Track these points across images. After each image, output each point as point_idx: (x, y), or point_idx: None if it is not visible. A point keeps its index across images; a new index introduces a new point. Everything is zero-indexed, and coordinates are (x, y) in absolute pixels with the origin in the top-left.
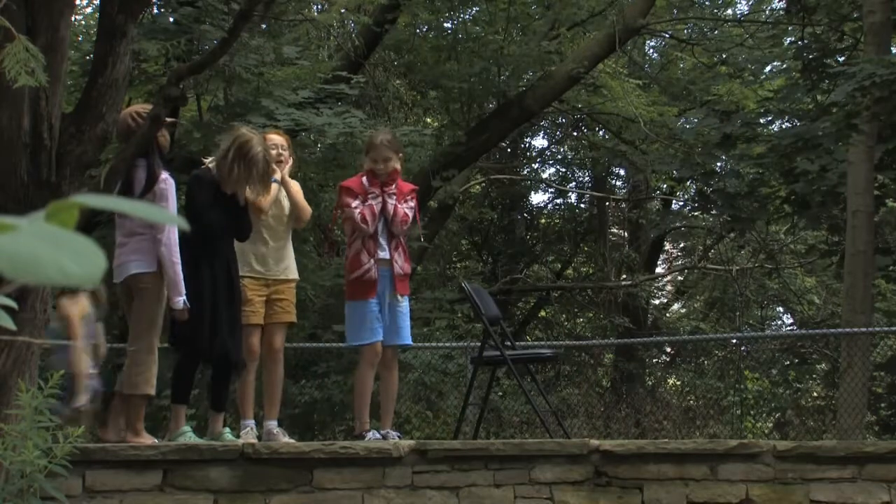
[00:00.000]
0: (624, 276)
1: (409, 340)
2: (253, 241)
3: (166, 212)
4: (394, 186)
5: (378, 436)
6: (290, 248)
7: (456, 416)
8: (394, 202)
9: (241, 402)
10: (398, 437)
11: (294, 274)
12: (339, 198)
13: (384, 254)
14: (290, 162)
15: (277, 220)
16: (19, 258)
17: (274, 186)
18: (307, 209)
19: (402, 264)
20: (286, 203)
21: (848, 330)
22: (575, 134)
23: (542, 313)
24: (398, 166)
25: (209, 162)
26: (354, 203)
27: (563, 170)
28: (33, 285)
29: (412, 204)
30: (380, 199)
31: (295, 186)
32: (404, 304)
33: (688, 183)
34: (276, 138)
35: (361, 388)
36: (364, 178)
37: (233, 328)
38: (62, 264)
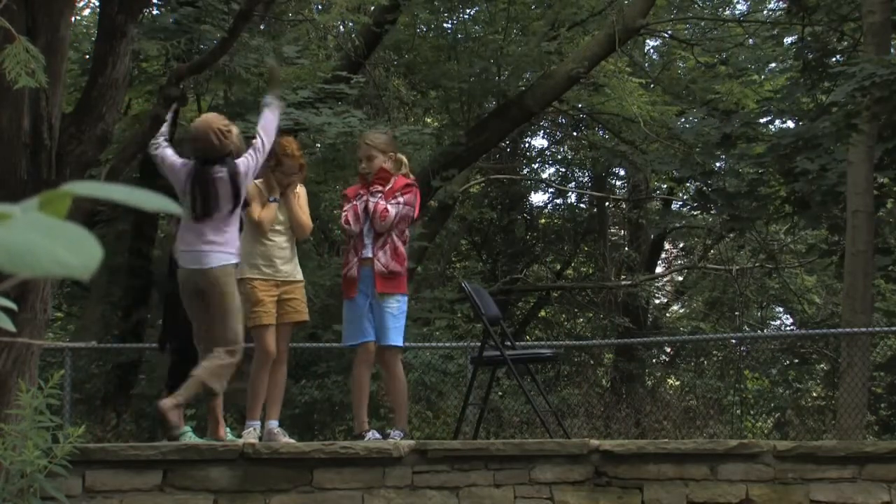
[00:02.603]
0: (624, 276)
1: (393, 341)
2: (260, 243)
3: (160, 198)
4: (383, 185)
5: (378, 436)
6: (295, 249)
7: (456, 416)
8: (375, 199)
9: (251, 402)
10: (400, 436)
11: (301, 275)
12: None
13: (366, 252)
14: (299, 187)
15: (284, 222)
16: (14, 249)
17: (273, 206)
18: (308, 226)
19: (385, 262)
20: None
21: (848, 330)
22: (575, 134)
23: (542, 313)
24: (386, 165)
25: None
26: (346, 207)
27: (563, 170)
28: (33, 285)
29: (402, 199)
30: (364, 199)
31: (304, 209)
32: (392, 304)
33: (687, 183)
34: (297, 155)
35: (357, 387)
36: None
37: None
38: (57, 255)
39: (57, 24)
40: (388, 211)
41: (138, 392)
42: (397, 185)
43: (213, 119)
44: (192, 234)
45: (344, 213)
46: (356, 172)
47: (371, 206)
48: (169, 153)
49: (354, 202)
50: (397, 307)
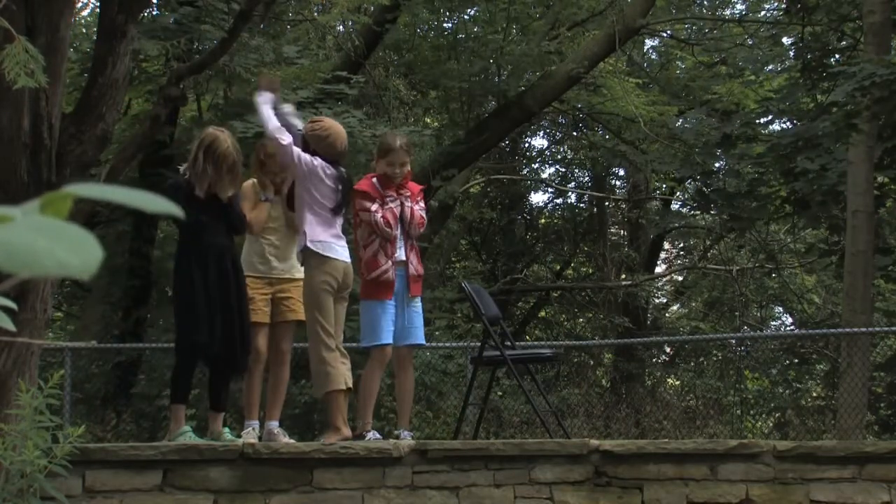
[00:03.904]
0: (624, 276)
1: (422, 340)
2: (254, 240)
3: (158, 199)
4: (407, 189)
5: (378, 436)
6: (294, 247)
7: (456, 416)
8: (410, 205)
9: (247, 402)
10: (411, 436)
11: (300, 273)
12: (354, 201)
13: (400, 255)
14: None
15: (278, 219)
16: (15, 250)
17: (265, 206)
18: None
19: (416, 265)
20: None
21: (848, 330)
22: (575, 134)
23: (542, 313)
24: (409, 168)
25: (183, 168)
26: (374, 207)
27: (563, 170)
28: (33, 285)
29: (422, 204)
30: (398, 201)
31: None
32: (418, 305)
33: (687, 183)
34: None
35: (368, 388)
36: (375, 181)
37: (233, 327)
38: (58, 255)
39: (57, 24)
40: (423, 218)
41: (138, 392)
42: (415, 190)
43: (342, 128)
44: (333, 228)
45: (381, 215)
46: (357, 172)
47: (408, 211)
48: (297, 147)
49: (389, 205)
50: (420, 307)
